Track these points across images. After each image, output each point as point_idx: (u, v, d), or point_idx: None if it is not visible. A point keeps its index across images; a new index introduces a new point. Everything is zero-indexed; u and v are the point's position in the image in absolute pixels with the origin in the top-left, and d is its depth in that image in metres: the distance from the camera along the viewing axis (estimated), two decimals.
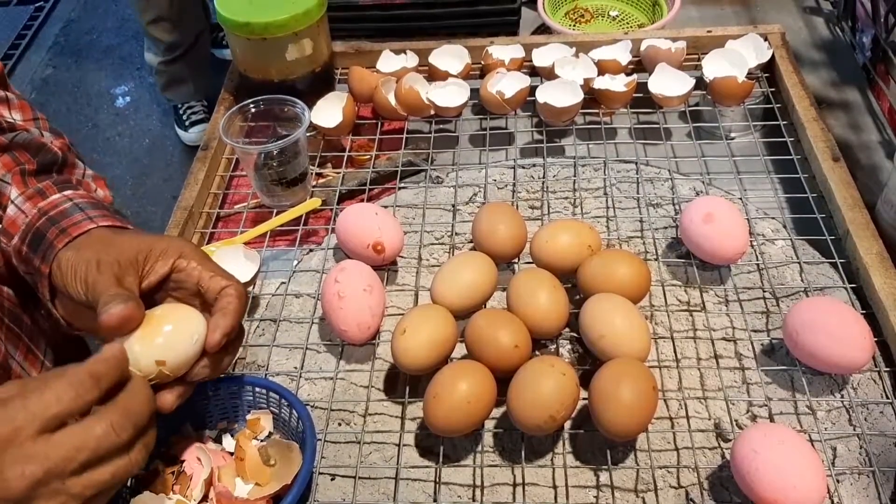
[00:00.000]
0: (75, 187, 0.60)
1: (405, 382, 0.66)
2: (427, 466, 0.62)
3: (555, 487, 0.60)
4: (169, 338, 0.51)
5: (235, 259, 0.73)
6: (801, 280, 0.70)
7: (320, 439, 0.63)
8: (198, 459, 0.59)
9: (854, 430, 0.60)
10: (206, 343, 0.52)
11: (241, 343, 0.57)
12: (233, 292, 0.53)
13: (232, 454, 0.60)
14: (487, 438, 0.63)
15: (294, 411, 0.60)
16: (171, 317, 0.52)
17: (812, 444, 0.56)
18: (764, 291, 0.70)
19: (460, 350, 0.65)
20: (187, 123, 2.22)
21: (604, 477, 0.60)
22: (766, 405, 0.62)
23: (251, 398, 0.63)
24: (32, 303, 0.64)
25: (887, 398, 0.61)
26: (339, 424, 0.65)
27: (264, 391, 0.62)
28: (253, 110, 0.81)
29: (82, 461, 0.43)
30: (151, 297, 0.54)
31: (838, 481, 0.57)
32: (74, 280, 0.53)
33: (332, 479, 0.62)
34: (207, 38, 2.18)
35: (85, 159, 0.67)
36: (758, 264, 0.72)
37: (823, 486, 0.53)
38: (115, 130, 2.38)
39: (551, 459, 0.62)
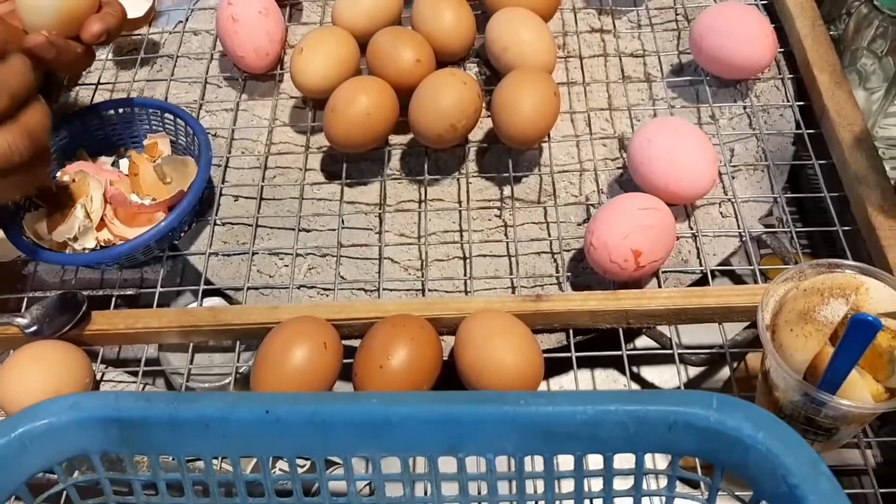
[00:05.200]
0: None
1: (311, 112, 0.65)
2: (331, 184, 0.61)
3: (459, 202, 0.60)
4: None
5: None
6: (714, 0, 0.68)
7: (219, 165, 0.62)
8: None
9: (753, 130, 0.60)
10: None
11: None
12: None
13: (127, 175, 0.59)
14: (393, 162, 0.63)
15: (189, 128, 0.58)
16: None
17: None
18: (676, 14, 0.69)
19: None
20: None
21: (507, 190, 0.60)
22: (670, 114, 0.62)
23: (147, 126, 0.61)
24: None
25: (788, 102, 0.61)
26: (242, 153, 0.64)
27: (158, 113, 0.60)
28: None
29: None
30: None
31: (733, 177, 0.58)
32: None
33: (236, 200, 0.61)
34: None
35: None
36: None
37: (715, 170, 0.54)
38: None
39: (456, 178, 0.62)
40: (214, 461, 0.38)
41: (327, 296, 0.56)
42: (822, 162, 0.57)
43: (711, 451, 0.35)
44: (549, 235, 0.57)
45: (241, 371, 0.52)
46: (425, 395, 0.37)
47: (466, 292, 0.55)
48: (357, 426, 0.36)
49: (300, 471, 0.38)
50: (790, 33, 0.63)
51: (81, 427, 0.36)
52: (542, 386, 0.50)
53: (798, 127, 0.59)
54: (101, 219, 0.56)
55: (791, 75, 0.62)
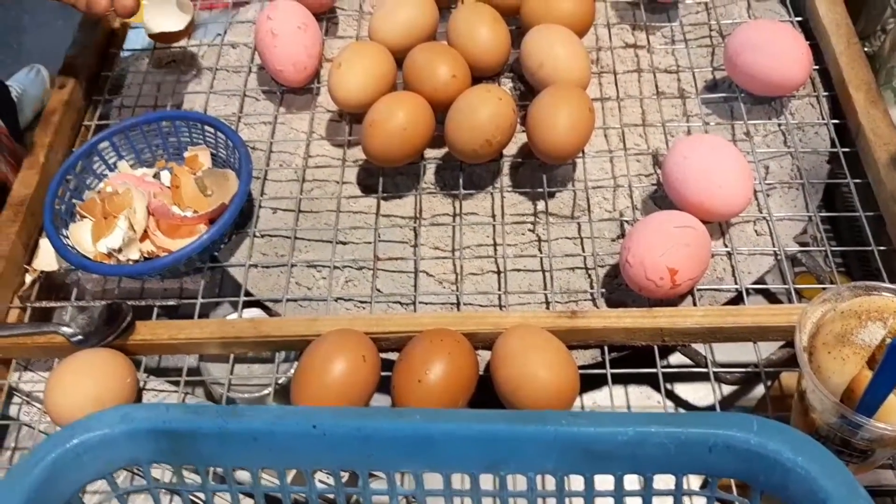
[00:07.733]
0: None
1: (347, 126, 0.66)
2: (367, 197, 0.62)
3: (493, 216, 0.61)
4: None
5: (167, 6, 0.70)
6: (749, 16, 0.68)
7: (258, 177, 0.63)
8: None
9: (788, 148, 0.60)
10: None
11: None
12: None
13: (169, 187, 0.60)
14: (428, 176, 0.64)
15: (230, 142, 0.59)
16: None
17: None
18: (711, 30, 0.69)
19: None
20: None
21: (541, 205, 0.61)
22: (704, 131, 0.62)
23: (187, 138, 0.62)
24: None
25: (823, 120, 0.61)
26: (280, 165, 0.65)
27: (199, 126, 0.61)
28: None
29: None
30: None
31: (768, 195, 0.58)
32: None
33: (274, 213, 0.62)
34: None
35: None
36: (706, 3, 0.70)
37: (750, 188, 0.54)
38: None
39: (491, 193, 0.62)
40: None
41: (364, 308, 0.57)
42: (858, 181, 0.57)
43: (751, 473, 0.35)
44: (584, 251, 0.58)
45: (280, 382, 0.53)
46: (468, 412, 0.38)
47: (501, 307, 0.56)
48: (401, 442, 0.37)
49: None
50: (825, 51, 0.63)
51: (133, 438, 0.37)
52: (577, 401, 0.51)
53: (833, 145, 0.59)
54: (144, 230, 0.57)
55: (826, 93, 0.62)
